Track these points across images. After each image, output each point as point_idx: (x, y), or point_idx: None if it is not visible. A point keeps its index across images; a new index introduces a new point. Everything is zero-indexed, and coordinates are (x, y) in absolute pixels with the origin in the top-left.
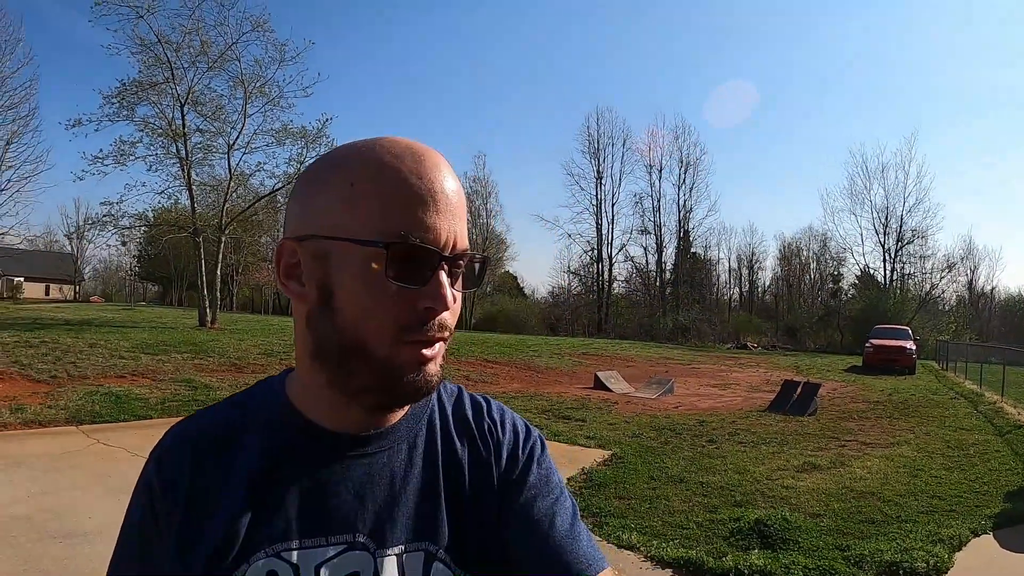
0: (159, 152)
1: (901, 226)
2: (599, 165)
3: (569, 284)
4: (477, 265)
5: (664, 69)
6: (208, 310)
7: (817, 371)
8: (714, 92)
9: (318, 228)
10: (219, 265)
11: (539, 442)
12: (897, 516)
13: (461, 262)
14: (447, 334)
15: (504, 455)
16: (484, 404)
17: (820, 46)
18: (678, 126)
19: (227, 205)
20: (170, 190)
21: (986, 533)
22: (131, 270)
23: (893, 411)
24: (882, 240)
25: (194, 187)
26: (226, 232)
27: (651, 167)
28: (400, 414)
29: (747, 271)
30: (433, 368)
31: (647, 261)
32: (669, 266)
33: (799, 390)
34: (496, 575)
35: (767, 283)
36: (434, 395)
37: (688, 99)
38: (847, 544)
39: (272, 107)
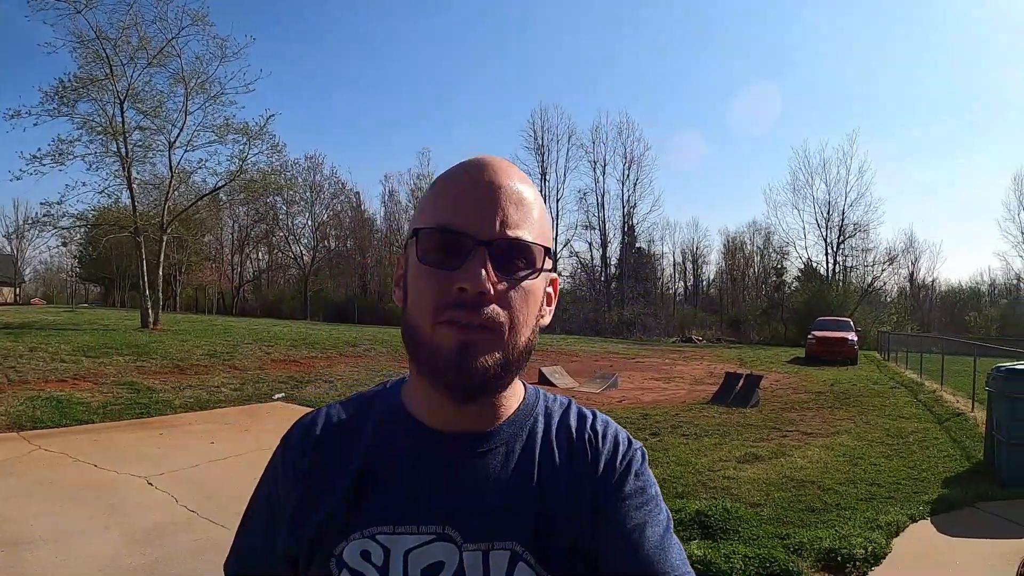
0: (98, 150)
1: (843, 220)
2: (544, 161)
3: None
4: (540, 253)
5: (609, 67)
6: (150, 311)
7: (760, 363)
8: (740, 97)
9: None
10: (161, 265)
11: (639, 454)
12: (836, 504)
13: (518, 259)
14: (491, 322)
15: (601, 465)
16: (590, 416)
17: (767, 47)
18: (622, 122)
19: (168, 204)
20: (110, 189)
21: (923, 519)
22: (72, 271)
23: (834, 401)
24: (824, 234)
25: (135, 185)
26: (167, 231)
27: (595, 163)
28: (503, 418)
29: (692, 265)
30: (480, 355)
31: (592, 256)
32: (614, 261)
33: (741, 382)
34: None
35: (711, 277)
36: (541, 405)
37: (633, 96)
38: (787, 532)
39: (213, 104)
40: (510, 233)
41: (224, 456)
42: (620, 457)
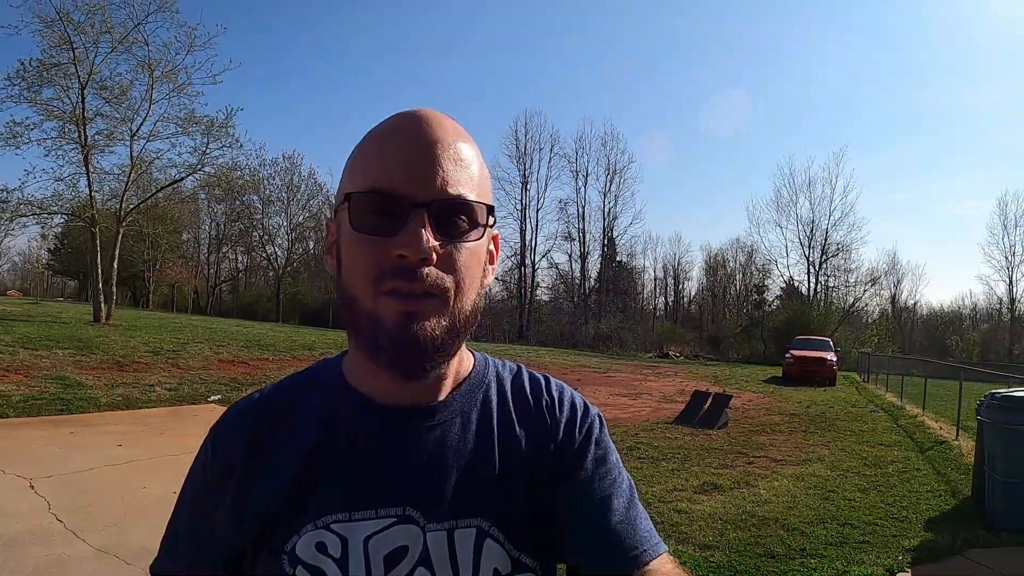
0: (56, 136)
1: (826, 239)
2: (525, 170)
3: (491, 289)
4: (482, 211)
5: (595, 77)
6: (103, 305)
7: (736, 381)
8: (711, 101)
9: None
10: (115, 258)
11: (597, 420)
12: (800, 549)
13: (458, 218)
14: (435, 287)
15: (561, 433)
16: (543, 381)
17: (753, 62)
18: (606, 133)
19: (127, 195)
20: (69, 177)
21: (903, 571)
22: (43, 263)
23: (808, 425)
24: (807, 252)
25: (95, 175)
26: (125, 223)
27: (577, 173)
28: (454, 387)
29: (673, 281)
30: (423, 325)
31: (571, 268)
32: (593, 274)
33: (709, 401)
34: (550, 555)
35: (693, 293)
36: (492, 371)
37: (618, 106)
38: None
39: (178, 94)
40: (450, 191)
41: (123, 460)
42: (579, 426)
